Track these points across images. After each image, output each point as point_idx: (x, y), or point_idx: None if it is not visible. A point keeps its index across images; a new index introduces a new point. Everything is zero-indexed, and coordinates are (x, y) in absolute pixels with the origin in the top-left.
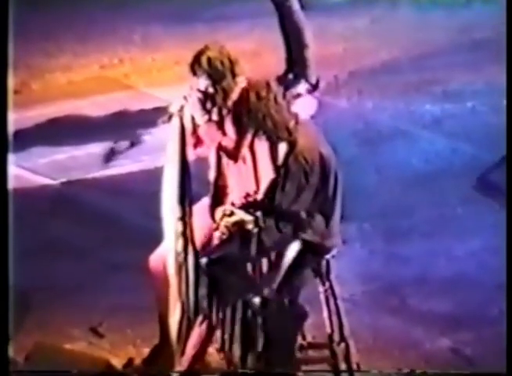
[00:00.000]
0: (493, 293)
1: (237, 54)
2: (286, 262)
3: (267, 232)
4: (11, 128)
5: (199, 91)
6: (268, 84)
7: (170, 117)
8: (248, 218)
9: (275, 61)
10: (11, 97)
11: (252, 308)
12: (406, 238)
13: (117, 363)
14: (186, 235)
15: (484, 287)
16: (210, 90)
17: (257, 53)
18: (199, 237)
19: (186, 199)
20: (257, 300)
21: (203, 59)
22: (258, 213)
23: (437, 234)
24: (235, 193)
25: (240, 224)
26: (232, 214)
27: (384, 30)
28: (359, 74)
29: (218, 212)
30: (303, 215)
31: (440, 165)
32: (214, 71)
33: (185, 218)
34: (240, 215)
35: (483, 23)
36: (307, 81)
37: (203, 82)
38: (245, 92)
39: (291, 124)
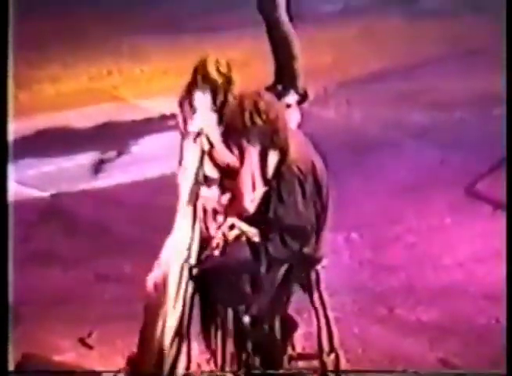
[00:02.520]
0: (481, 302)
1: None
2: (278, 276)
3: (273, 244)
4: (11, 138)
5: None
6: (262, 94)
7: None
8: (253, 230)
9: (263, 72)
10: (11, 107)
11: (242, 326)
12: (394, 248)
13: (107, 374)
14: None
15: (472, 296)
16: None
17: (245, 64)
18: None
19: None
20: (246, 319)
21: (209, 73)
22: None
23: (425, 244)
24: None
25: (242, 236)
26: (232, 227)
27: (373, 40)
28: (348, 85)
29: (222, 226)
30: (309, 228)
31: (428, 175)
32: (217, 85)
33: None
34: (243, 227)
35: (472, 33)
36: (296, 91)
37: (208, 97)
38: (240, 101)
39: (287, 132)
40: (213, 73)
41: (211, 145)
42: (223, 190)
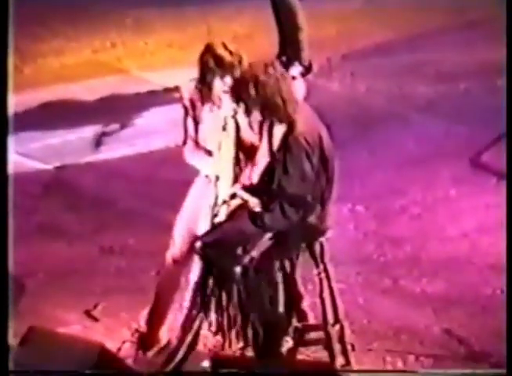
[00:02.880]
0: (486, 273)
1: (229, 36)
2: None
3: (271, 215)
4: (11, 112)
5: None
6: (273, 63)
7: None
8: (254, 200)
9: (267, 44)
10: (11, 81)
11: (234, 278)
12: (399, 220)
13: (112, 346)
14: None
15: (476, 267)
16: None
17: (249, 36)
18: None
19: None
20: (237, 269)
21: (222, 57)
22: (264, 197)
23: (429, 215)
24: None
25: (244, 206)
26: (233, 196)
27: (377, 12)
28: (352, 57)
29: (225, 197)
30: (309, 198)
31: (433, 147)
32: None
33: None
34: (245, 196)
35: (476, 4)
36: (300, 63)
37: (227, 80)
38: (251, 69)
39: (295, 104)
40: (225, 55)
41: (238, 128)
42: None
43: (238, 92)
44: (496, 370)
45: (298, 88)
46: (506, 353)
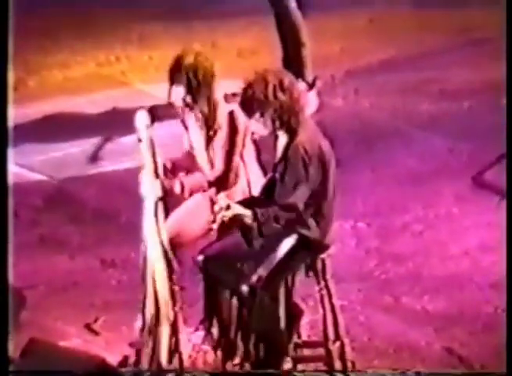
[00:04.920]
0: (487, 292)
1: (234, 52)
2: (278, 254)
3: (266, 225)
4: (14, 123)
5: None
6: (285, 72)
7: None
8: (246, 212)
9: (271, 59)
10: (11, 94)
11: (241, 297)
12: (401, 237)
13: (113, 360)
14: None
15: (478, 285)
16: (188, 99)
17: (253, 51)
18: (196, 232)
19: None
20: (245, 288)
21: (184, 67)
22: (257, 208)
23: (432, 233)
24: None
25: (238, 218)
26: (228, 207)
27: (381, 29)
28: (356, 73)
29: (216, 206)
30: (300, 206)
31: (436, 164)
32: (193, 79)
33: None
34: (237, 209)
35: (481, 23)
36: (303, 79)
37: (181, 90)
38: (264, 75)
39: (302, 116)
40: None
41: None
42: None
43: (255, 94)
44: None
45: (311, 101)
46: (506, 353)
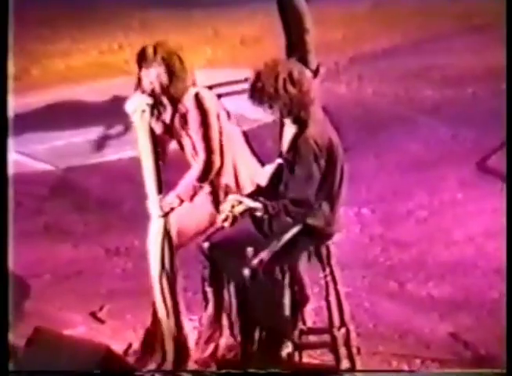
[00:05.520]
0: (492, 277)
1: (237, 39)
2: (282, 239)
3: (276, 218)
4: (11, 114)
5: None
6: (294, 62)
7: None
8: (257, 205)
9: (275, 47)
10: (11, 84)
11: (243, 280)
12: (405, 223)
13: (118, 348)
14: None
15: (483, 271)
16: (164, 80)
17: (257, 39)
18: (199, 225)
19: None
20: (246, 271)
21: (153, 50)
22: (266, 201)
23: (436, 219)
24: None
25: (249, 212)
26: (240, 203)
27: (384, 16)
28: (359, 60)
29: (227, 203)
30: (312, 199)
31: (439, 151)
32: (167, 60)
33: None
34: (248, 203)
35: (483, 9)
36: (307, 66)
37: (153, 73)
38: (274, 66)
39: (312, 107)
40: (153, 53)
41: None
42: None
43: (264, 86)
44: (496, 370)
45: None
46: (506, 353)
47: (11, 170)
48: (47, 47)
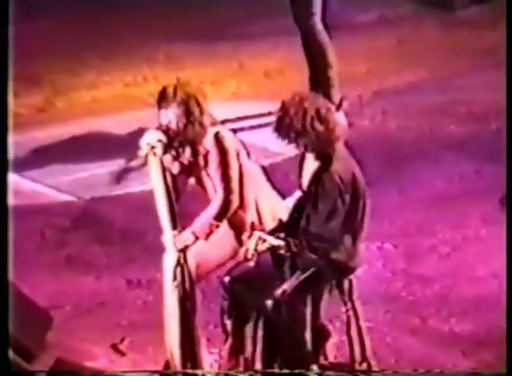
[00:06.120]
0: None
1: (261, 72)
2: (305, 272)
3: (300, 255)
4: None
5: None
6: (319, 98)
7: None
8: (280, 243)
9: (298, 80)
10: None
11: (265, 312)
12: (428, 258)
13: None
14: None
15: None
16: (181, 122)
17: (280, 72)
18: (221, 259)
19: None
20: (269, 302)
21: (173, 91)
22: (289, 238)
23: (459, 255)
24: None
25: (272, 249)
26: (264, 241)
27: (408, 51)
28: (383, 94)
29: (251, 241)
30: (337, 235)
31: (463, 186)
32: (185, 102)
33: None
34: (272, 241)
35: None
36: (330, 101)
37: (171, 114)
38: (300, 102)
39: (339, 143)
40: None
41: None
42: None
43: (292, 122)
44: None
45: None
46: (506, 353)
47: (33, 201)
48: (72, 79)
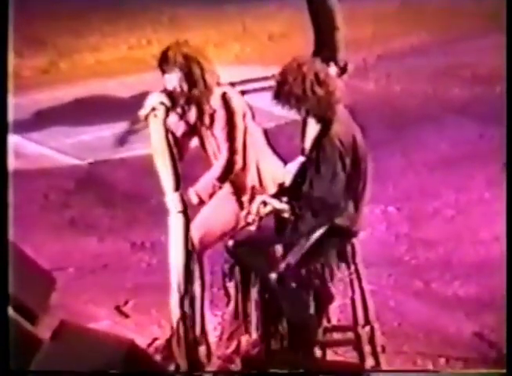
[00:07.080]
0: None
1: (265, 36)
2: (308, 241)
3: (303, 219)
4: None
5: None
6: (318, 63)
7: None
8: (284, 206)
9: (303, 43)
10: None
11: (269, 284)
12: (432, 222)
13: (142, 342)
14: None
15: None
16: (185, 84)
17: (285, 35)
18: (225, 226)
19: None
20: (273, 276)
21: (173, 55)
22: (292, 201)
23: (463, 218)
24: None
25: (275, 213)
26: (265, 203)
27: (413, 14)
28: (388, 58)
29: (254, 204)
30: (340, 199)
31: (467, 149)
32: (186, 65)
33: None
34: (275, 204)
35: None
36: (336, 64)
37: (175, 78)
38: (298, 67)
39: (339, 106)
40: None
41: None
42: None
43: (292, 88)
44: (497, 370)
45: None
46: (507, 353)
47: (37, 164)
48: (77, 41)
